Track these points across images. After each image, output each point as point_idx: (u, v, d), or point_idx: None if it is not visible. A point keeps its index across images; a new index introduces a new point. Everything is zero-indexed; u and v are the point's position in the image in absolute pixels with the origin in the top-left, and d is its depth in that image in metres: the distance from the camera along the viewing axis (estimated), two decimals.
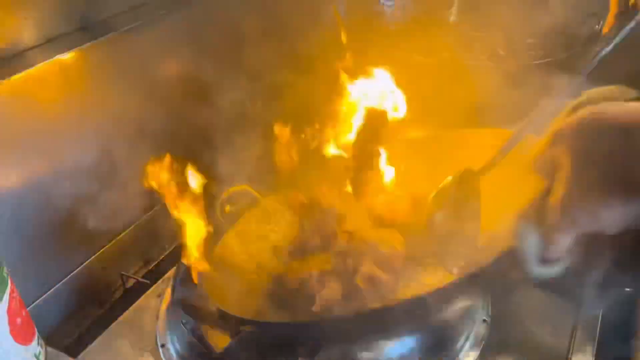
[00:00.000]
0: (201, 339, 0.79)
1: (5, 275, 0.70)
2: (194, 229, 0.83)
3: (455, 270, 0.78)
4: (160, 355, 0.84)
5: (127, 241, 1.05)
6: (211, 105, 1.07)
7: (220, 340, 0.77)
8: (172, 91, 1.10)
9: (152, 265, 1.06)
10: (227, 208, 0.95)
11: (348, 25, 1.14)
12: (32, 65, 0.85)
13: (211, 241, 0.86)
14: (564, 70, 1.22)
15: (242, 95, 1.10)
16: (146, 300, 0.94)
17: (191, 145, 1.01)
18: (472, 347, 0.83)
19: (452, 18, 1.46)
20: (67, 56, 0.90)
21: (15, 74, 0.83)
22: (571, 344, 0.85)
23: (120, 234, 1.05)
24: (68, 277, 0.97)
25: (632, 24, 1.05)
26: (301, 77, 1.11)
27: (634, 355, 0.92)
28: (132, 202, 0.87)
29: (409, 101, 1.01)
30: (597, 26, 1.19)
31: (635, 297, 1.03)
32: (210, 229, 0.85)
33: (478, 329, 0.86)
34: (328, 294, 0.80)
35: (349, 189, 0.97)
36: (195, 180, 0.84)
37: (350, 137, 0.99)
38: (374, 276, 0.81)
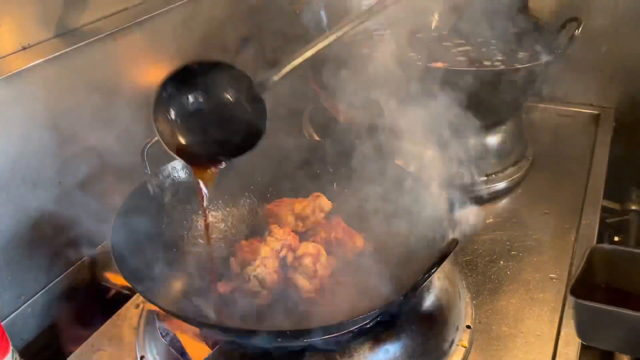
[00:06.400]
0: (180, 350, 0.77)
1: None
2: None
3: None
4: None
5: (106, 251, 1.03)
6: None
7: (200, 352, 0.75)
8: (150, 96, 1.09)
9: None
10: None
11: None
12: (8, 72, 0.84)
13: None
14: (544, 75, 1.24)
15: None
16: (126, 311, 0.93)
17: None
18: (455, 353, 0.83)
19: (434, 24, 1.47)
20: (44, 63, 0.89)
21: None
22: (556, 348, 0.85)
23: (98, 244, 1.03)
24: (45, 288, 0.96)
25: None
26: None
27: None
28: (112, 212, 0.85)
29: None
30: (577, 31, 1.20)
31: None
32: None
33: (462, 335, 0.86)
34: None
35: None
36: None
37: None
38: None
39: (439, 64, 1.22)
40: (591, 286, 0.84)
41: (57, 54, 0.91)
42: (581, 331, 0.81)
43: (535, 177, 1.26)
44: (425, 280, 0.71)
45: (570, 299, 0.78)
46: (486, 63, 1.28)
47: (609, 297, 0.83)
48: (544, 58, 1.14)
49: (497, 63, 1.27)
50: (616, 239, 1.21)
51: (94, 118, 0.99)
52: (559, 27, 1.27)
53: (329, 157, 0.98)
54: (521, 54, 1.32)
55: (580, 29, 1.19)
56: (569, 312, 0.90)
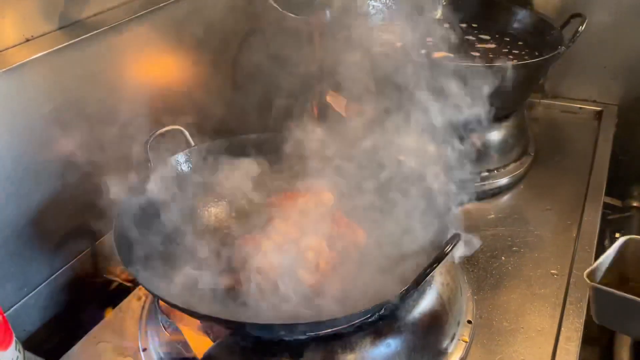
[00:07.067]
0: (183, 343, 0.77)
1: None
2: None
3: None
4: (141, 359, 0.83)
5: (109, 244, 1.04)
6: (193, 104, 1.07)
7: (202, 344, 0.76)
8: (153, 90, 1.09)
9: None
10: None
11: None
12: (11, 64, 0.84)
13: None
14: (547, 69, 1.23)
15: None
16: (128, 303, 0.93)
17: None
18: (456, 348, 0.83)
19: (438, 17, 1.46)
20: (47, 55, 0.89)
21: None
22: (556, 344, 0.85)
23: (101, 237, 1.04)
24: (48, 280, 0.96)
25: None
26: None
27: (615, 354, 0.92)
28: (115, 205, 0.85)
29: None
30: (580, 27, 1.20)
31: None
32: None
33: (463, 330, 0.86)
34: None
35: None
36: None
37: None
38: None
39: (441, 54, 1.22)
40: (620, 276, 0.87)
41: (61, 46, 0.90)
42: (598, 314, 0.86)
43: (537, 173, 1.26)
44: (427, 275, 0.71)
45: (587, 282, 0.82)
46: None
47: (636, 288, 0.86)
48: (548, 54, 1.14)
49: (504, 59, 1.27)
50: (617, 235, 1.21)
51: (97, 110, 0.99)
52: (563, 23, 1.27)
53: (331, 152, 0.98)
54: (525, 50, 1.32)
55: (584, 25, 1.19)
56: (569, 308, 0.90)
